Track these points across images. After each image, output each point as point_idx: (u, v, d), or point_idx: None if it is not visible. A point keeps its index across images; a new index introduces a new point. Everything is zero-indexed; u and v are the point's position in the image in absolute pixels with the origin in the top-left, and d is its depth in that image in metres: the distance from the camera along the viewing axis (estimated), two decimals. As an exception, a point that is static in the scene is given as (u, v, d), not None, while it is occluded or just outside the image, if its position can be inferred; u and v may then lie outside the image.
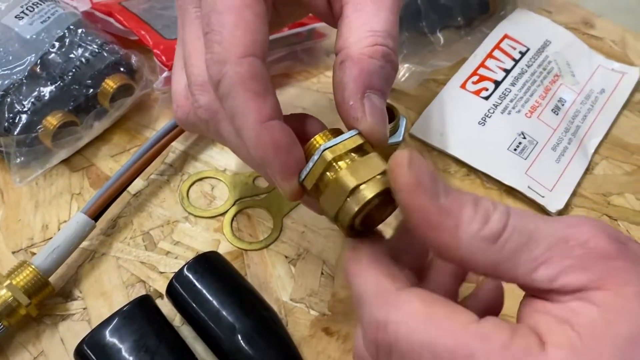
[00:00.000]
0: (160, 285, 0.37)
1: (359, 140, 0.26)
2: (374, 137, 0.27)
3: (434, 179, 0.22)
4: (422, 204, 0.22)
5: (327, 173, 0.25)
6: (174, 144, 0.42)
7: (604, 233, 0.21)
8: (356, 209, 0.24)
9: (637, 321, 0.20)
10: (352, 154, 0.25)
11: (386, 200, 0.24)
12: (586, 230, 0.21)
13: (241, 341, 0.32)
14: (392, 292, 0.23)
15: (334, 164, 0.25)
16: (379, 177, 0.24)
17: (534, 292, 0.22)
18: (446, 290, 0.27)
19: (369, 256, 0.25)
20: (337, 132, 0.27)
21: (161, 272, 0.37)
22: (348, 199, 0.24)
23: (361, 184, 0.24)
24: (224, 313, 0.32)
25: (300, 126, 0.30)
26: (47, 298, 0.35)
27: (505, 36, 0.50)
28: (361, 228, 0.26)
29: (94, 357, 0.31)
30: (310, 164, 0.26)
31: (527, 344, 0.20)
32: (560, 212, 0.41)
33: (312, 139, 0.27)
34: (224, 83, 0.26)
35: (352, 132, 0.26)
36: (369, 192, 0.24)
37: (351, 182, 0.24)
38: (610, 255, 0.21)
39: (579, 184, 0.43)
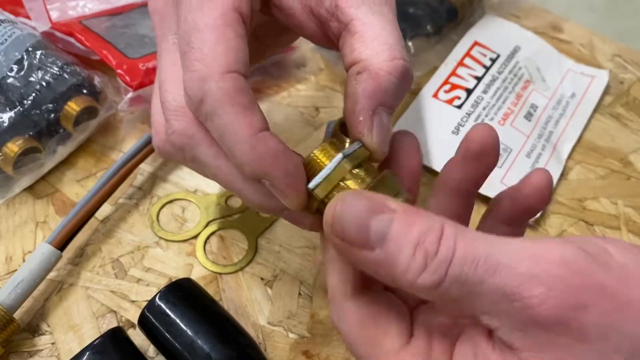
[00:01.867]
0: (132, 314, 0.35)
1: (366, 152, 0.26)
2: (375, 155, 0.27)
3: (366, 225, 0.22)
4: (356, 259, 0.22)
5: (341, 183, 0.26)
6: (142, 165, 0.41)
7: (560, 299, 0.20)
8: None
9: None
10: (364, 166, 0.26)
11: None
12: (539, 291, 0.20)
13: (218, 372, 0.31)
14: (341, 298, 0.25)
15: (351, 172, 0.26)
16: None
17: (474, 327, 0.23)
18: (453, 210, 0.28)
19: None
20: (333, 146, 0.27)
21: (133, 301, 0.36)
22: None
23: None
24: (200, 343, 0.31)
25: None
26: (12, 335, 0.33)
27: (475, 43, 0.50)
28: None
29: (63, 397, 0.30)
30: (326, 171, 0.25)
31: None
32: (537, 220, 0.41)
33: (311, 153, 0.26)
34: (207, 101, 0.25)
35: (357, 145, 0.26)
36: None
37: None
38: (553, 329, 0.20)
39: (554, 190, 0.43)
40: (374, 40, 0.27)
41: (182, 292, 0.33)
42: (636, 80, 0.52)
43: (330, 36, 0.29)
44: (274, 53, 0.44)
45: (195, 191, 0.41)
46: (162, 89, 0.29)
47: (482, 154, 0.28)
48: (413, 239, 0.21)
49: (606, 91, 0.50)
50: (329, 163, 0.26)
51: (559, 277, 0.20)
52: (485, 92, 0.47)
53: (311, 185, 0.26)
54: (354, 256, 0.23)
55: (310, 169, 0.26)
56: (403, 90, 0.28)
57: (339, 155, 0.26)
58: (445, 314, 0.26)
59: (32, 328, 0.35)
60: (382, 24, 0.28)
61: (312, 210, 0.26)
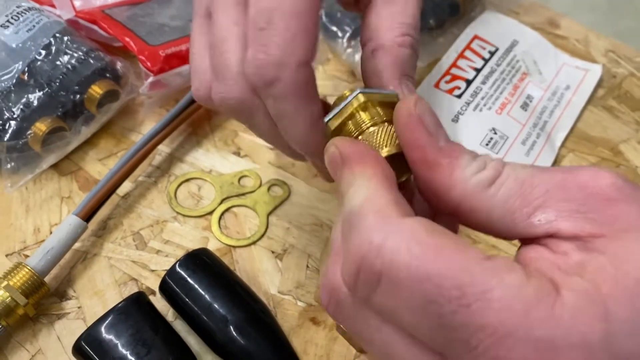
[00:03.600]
0: (152, 282, 0.38)
1: (393, 98, 0.27)
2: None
3: (437, 124, 0.23)
4: (422, 141, 0.23)
5: (354, 118, 0.26)
6: (160, 146, 0.44)
7: (605, 175, 0.21)
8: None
9: None
10: (381, 108, 0.26)
11: (403, 166, 0.25)
12: (585, 173, 0.21)
13: (233, 332, 0.33)
14: (394, 216, 0.20)
15: (362, 111, 0.26)
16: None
17: (532, 241, 0.21)
18: None
19: (376, 165, 0.23)
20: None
21: (152, 270, 0.39)
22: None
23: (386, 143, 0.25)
24: (216, 306, 0.34)
25: None
26: (43, 298, 0.36)
27: (475, 37, 0.52)
28: None
29: (92, 353, 0.32)
30: (343, 104, 0.26)
31: (542, 286, 0.19)
32: (531, 203, 0.44)
33: (342, 93, 0.28)
34: (277, 86, 0.26)
35: (389, 90, 0.28)
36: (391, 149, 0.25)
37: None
38: (610, 197, 0.20)
39: (547, 176, 0.46)
40: (390, 18, 0.30)
41: (200, 260, 0.36)
42: (628, 75, 0.54)
43: (361, 5, 0.31)
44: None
45: (210, 171, 0.44)
46: (222, 48, 0.28)
47: None
48: (471, 151, 0.23)
49: (599, 85, 0.53)
50: (348, 96, 0.27)
51: (600, 169, 0.21)
52: (484, 82, 0.49)
53: (327, 118, 0.27)
54: (423, 141, 0.23)
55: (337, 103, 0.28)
56: (415, 62, 0.30)
57: (358, 90, 0.26)
58: None
59: (60, 293, 0.37)
60: (404, 3, 0.30)
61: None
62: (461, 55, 0.51)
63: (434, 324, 0.19)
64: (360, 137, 0.26)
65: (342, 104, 0.26)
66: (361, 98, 0.26)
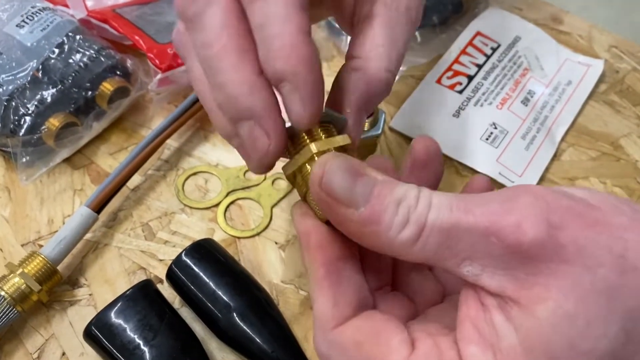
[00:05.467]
0: (160, 271, 0.40)
1: (346, 141, 0.27)
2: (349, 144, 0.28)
3: (352, 186, 0.22)
4: (341, 218, 0.23)
5: (303, 171, 0.27)
6: (169, 141, 0.45)
7: (534, 221, 0.20)
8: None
9: (551, 348, 0.20)
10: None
11: None
12: (513, 220, 0.21)
13: (237, 319, 0.35)
14: (331, 327, 0.25)
15: (310, 164, 0.26)
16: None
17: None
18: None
19: (323, 260, 0.25)
20: (325, 127, 0.28)
21: (160, 260, 0.40)
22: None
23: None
24: (220, 293, 0.35)
25: None
26: (56, 285, 0.38)
27: (478, 33, 0.53)
28: None
29: (101, 337, 0.34)
30: (297, 155, 0.27)
31: None
32: (530, 196, 0.45)
33: (301, 135, 0.27)
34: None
35: (341, 136, 0.27)
36: None
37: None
38: (531, 255, 0.20)
39: (546, 170, 0.46)
40: (381, 47, 0.28)
41: (206, 250, 0.37)
42: (631, 70, 0.55)
43: (355, 21, 0.30)
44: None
45: (217, 165, 0.45)
46: None
47: (428, 163, 0.30)
48: (395, 197, 0.22)
49: (601, 80, 0.53)
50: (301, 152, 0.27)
51: (528, 205, 0.21)
52: (485, 78, 0.50)
53: (283, 167, 0.28)
54: (340, 216, 0.23)
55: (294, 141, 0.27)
56: (381, 99, 0.30)
57: (312, 146, 0.26)
58: (436, 320, 0.26)
59: (72, 281, 0.39)
60: (396, 33, 0.29)
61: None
62: (463, 52, 0.52)
63: None
64: (307, 199, 0.27)
65: (296, 155, 0.27)
66: (309, 152, 0.26)
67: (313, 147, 0.26)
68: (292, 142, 0.28)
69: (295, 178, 0.28)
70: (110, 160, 0.45)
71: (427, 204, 0.22)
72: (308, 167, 0.27)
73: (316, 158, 0.26)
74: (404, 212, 0.22)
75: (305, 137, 0.27)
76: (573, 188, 0.23)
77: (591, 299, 0.20)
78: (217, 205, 0.43)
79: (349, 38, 0.52)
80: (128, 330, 0.34)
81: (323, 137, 0.27)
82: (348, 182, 0.23)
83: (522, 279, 0.21)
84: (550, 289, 0.20)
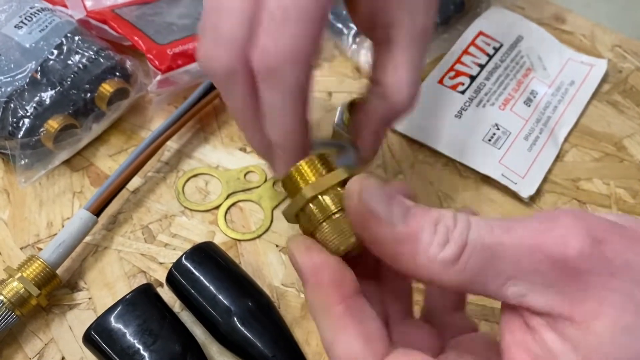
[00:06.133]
0: (160, 275, 0.39)
1: (343, 175, 0.26)
2: (363, 163, 0.33)
3: (389, 205, 0.22)
4: (377, 235, 0.22)
5: (305, 211, 0.26)
6: (169, 143, 0.45)
7: (578, 235, 0.20)
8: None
9: None
10: (332, 195, 0.26)
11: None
12: (557, 235, 0.20)
13: (237, 323, 0.34)
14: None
15: (313, 204, 0.26)
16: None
17: (508, 306, 0.22)
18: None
19: (351, 314, 0.23)
20: (322, 159, 0.27)
21: (160, 263, 0.40)
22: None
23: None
24: (221, 297, 0.35)
25: None
26: (55, 289, 0.37)
27: (480, 33, 0.53)
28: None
29: (101, 342, 0.34)
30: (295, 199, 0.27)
31: None
32: (532, 198, 0.44)
33: (298, 164, 0.27)
34: (278, 78, 0.26)
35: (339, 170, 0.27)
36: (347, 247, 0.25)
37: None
38: (579, 269, 0.20)
39: (549, 171, 0.46)
40: (405, 73, 0.31)
41: (206, 253, 0.37)
42: (634, 70, 0.54)
43: (376, 40, 0.32)
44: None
45: (217, 167, 0.45)
46: (225, 14, 0.27)
47: None
48: (432, 217, 0.22)
49: (605, 79, 0.53)
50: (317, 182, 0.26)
51: (570, 223, 0.20)
52: (487, 78, 0.50)
53: (283, 212, 0.28)
54: (377, 233, 0.22)
55: (293, 176, 0.27)
56: (407, 115, 0.33)
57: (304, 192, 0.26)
58: (468, 351, 0.25)
59: (71, 285, 0.39)
60: (416, 56, 0.31)
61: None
62: (465, 52, 0.52)
63: None
64: (316, 235, 0.26)
65: (303, 184, 0.27)
66: (307, 194, 0.26)
67: (308, 193, 0.26)
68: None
69: (300, 218, 0.27)
70: (109, 162, 0.45)
71: (466, 224, 0.21)
72: (312, 208, 0.26)
73: (318, 197, 0.26)
74: (443, 231, 0.21)
75: (307, 169, 0.27)
76: (603, 213, 0.23)
77: None
78: (217, 207, 0.43)
79: (350, 38, 0.52)
80: (128, 335, 0.34)
81: (324, 173, 0.27)
82: (385, 199, 0.22)
83: (572, 294, 0.20)
84: (604, 303, 0.20)
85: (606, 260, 0.20)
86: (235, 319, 0.35)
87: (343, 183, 0.26)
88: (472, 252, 0.21)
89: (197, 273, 0.36)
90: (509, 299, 0.21)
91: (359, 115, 0.33)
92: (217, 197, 0.43)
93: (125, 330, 0.34)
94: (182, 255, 0.36)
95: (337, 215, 0.25)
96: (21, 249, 0.40)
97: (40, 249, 0.39)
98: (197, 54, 0.29)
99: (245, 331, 0.34)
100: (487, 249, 0.21)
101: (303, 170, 0.27)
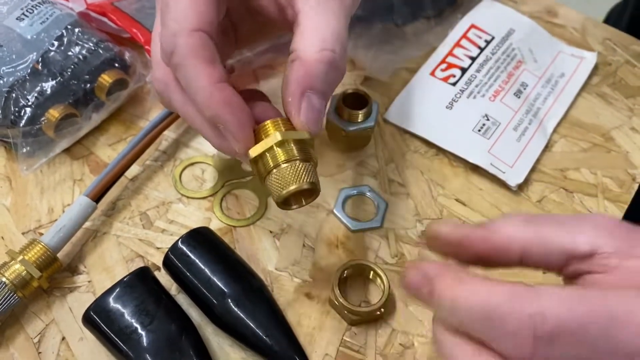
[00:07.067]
0: (157, 259, 0.40)
1: (305, 136, 0.32)
2: (301, 130, 0.32)
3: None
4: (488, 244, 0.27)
5: (274, 148, 0.32)
6: (166, 132, 0.46)
7: (609, 217, 0.26)
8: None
9: None
10: (295, 145, 0.32)
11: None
12: (596, 220, 0.26)
13: (231, 304, 0.36)
14: (523, 289, 0.23)
15: (278, 147, 0.32)
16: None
17: (579, 267, 0.26)
18: None
19: (462, 275, 0.26)
20: (287, 122, 0.33)
21: (158, 248, 0.41)
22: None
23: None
24: (215, 280, 0.36)
25: (250, 101, 0.34)
26: (56, 272, 0.39)
27: (472, 26, 0.54)
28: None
29: (100, 322, 0.35)
30: (265, 139, 0.32)
31: None
32: (520, 187, 0.45)
33: (264, 122, 0.33)
34: (176, 53, 0.30)
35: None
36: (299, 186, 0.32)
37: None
38: (631, 228, 0.26)
39: (538, 161, 0.47)
40: (311, 32, 0.32)
41: (201, 237, 0.38)
42: (624, 63, 0.55)
43: (289, 22, 0.34)
44: (250, 46, 0.48)
45: (213, 155, 0.46)
46: (152, 44, 0.35)
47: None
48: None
49: (594, 72, 0.54)
50: (268, 137, 0.32)
51: (598, 225, 0.26)
52: (478, 71, 0.51)
53: (250, 151, 0.32)
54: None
55: (259, 132, 0.32)
56: (333, 77, 0.33)
57: (277, 134, 0.32)
58: None
59: (72, 268, 0.40)
60: (323, 18, 0.32)
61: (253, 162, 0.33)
62: (457, 44, 0.53)
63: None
64: (274, 170, 0.32)
65: (264, 139, 0.32)
66: (278, 137, 0.32)
67: (278, 136, 0.32)
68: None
69: (257, 163, 0.32)
70: (109, 151, 0.46)
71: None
72: (278, 149, 0.32)
73: (283, 143, 0.32)
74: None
75: (270, 126, 0.32)
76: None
77: None
78: (213, 195, 0.44)
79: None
80: (125, 315, 0.35)
81: (284, 129, 0.32)
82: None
83: (630, 238, 0.26)
84: None
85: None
86: (229, 300, 0.36)
87: (299, 142, 0.32)
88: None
89: (192, 256, 0.37)
90: (581, 246, 0.26)
91: (282, 90, 0.33)
92: (213, 185, 0.44)
93: (123, 311, 0.35)
94: (178, 239, 0.38)
95: (296, 163, 0.32)
96: (23, 234, 0.41)
97: (41, 234, 0.41)
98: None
99: (239, 312, 0.36)
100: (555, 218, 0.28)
101: (265, 127, 0.32)
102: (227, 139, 0.32)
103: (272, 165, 0.32)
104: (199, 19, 0.31)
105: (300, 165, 0.32)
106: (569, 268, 0.26)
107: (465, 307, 0.24)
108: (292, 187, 0.31)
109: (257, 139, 0.32)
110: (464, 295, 0.24)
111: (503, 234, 0.27)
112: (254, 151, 0.32)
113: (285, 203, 0.33)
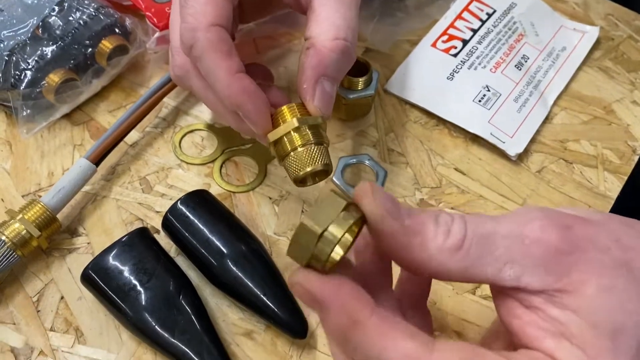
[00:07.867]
0: (157, 222, 0.41)
1: (318, 120, 0.35)
2: (315, 115, 0.35)
3: (396, 205, 0.25)
4: (391, 228, 0.24)
5: (289, 136, 0.34)
6: (166, 100, 0.46)
7: (552, 225, 0.24)
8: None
9: (612, 316, 0.23)
10: (310, 130, 0.35)
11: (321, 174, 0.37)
12: (536, 226, 0.24)
13: (230, 264, 0.36)
14: (420, 352, 0.23)
15: (295, 132, 0.34)
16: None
17: (505, 290, 0.25)
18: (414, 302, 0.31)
19: (386, 321, 0.24)
20: (302, 106, 0.35)
21: (157, 211, 0.41)
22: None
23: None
24: (214, 240, 0.36)
25: (257, 78, 0.36)
26: (55, 233, 0.39)
27: (474, -1, 0.54)
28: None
29: (98, 280, 0.35)
30: (282, 125, 0.34)
31: None
32: (520, 157, 0.45)
33: (281, 108, 0.35)
34: (196, 47, 0.33)
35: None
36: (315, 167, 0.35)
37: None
38: (562, 250, 0.24)
39: (538, 132, 0.47)
40: (325, 21, 0.34)
41: (200, 199, 0.38)
42: (626, 37, 0.55)
43: (304, 6, 0.36)
44: (258, 20, 0.48)
45: (213, 123, 0.46)
46: (171, 30, 0.38)
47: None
48: (432, 214, 0.25)
49: (596, 47, 0.54)
50: (286, 123, 0.34)
51: (542, 216, 0.25)
52: (480, 42, 0.51)
53: (269, 135, 0.35)
54: (390, 227, 0.24)
55: (277, 116, 0.35)
56: (344, 65, 0.35)
57: (294, 120, 0.34)
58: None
59: (71, 230, 0.40)
60: (338, 7, 0.34)
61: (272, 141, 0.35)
62: (459, 17, 0.52)
63: None
64: (292, 153, 0.34)
65: (282, 124, 0.34)
66: (295, 123, 0.34)
67: (295, 122, 0.34)
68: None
69: (276, 145, 0.35)
70: (109, 117, 0.46)
71: (463, 219, 0.25)
72: (294, 134, 0.34)
73: (299, 128, 0.34)
74: (444, 224, 0.24)
75: (287, 112, 0.35)
76: (562, 207, 0.28)
77: (615, 271, 0.24)
78: (213, 161, 0.44)
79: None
80: (124, 273, 0.35)
81: (299, 115, 0.35)
82: (392, 200, 0.25)
83: (559, 270, 0.24)
84: (585, 272, 0.24)
85: (576, 239, 0.24)
86: (228, 260, 0.36)
87: (313, 127, 0.35)
88: (472, 240, 0.24)
89: (191, 217, 0.37)
90: (506, 282, 0.24)
91: (298, 77, 0.35)
92: (213, 151, 0.44)
93: (121, 269, 0.35)
94: (177, 200, 0.38)
95: (312, 146, 0.34)
96: (23, 196, 0.41)
97: (41, 197, 0.41)
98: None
99: (237, 272, 0.36)
100: (484, 238, 0.24)
101: (282, 112, 0.35)
102: (247, 124, 0.34)
103: (289, 149, 0.34)
104: (216, 15, 0.33)
105: (314, 149, 0.34)
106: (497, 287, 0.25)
107: (359, 352, 0.24)
108: (308, 169, 0.34)
109: (274, 123, 0.35)
110: (358, 340, 0.23)
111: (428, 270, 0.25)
112: (273, 135, 0.35)
113: (302, 182, 0.36)
